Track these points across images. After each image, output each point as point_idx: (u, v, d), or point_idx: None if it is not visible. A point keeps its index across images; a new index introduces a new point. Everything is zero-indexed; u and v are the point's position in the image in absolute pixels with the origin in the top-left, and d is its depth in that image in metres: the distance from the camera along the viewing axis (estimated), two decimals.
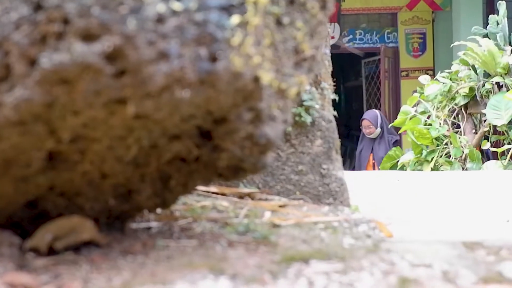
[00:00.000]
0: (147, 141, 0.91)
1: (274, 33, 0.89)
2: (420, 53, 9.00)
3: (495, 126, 6.03)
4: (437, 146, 6.19)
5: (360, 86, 9.86)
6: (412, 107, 6.54)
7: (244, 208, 1.36)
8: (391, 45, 9.06)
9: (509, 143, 5.86)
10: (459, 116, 6.48)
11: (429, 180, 3.02)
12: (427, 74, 7.33)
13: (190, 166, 1.00)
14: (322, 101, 1.60)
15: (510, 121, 5.83)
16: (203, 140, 0.94)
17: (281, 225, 1.22)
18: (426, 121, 6.47)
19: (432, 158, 6.30)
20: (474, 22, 7.64)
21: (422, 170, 6.13)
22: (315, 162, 1.56)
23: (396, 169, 6.01)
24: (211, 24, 0.77)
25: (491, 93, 6.13)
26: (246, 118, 0.88)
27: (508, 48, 6.20)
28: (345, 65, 10.69)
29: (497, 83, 6.08)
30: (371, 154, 7.26)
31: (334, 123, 1.59)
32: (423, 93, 6.47)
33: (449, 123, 6.38)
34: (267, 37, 0.85)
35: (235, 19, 0.79)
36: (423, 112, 6.60)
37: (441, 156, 6.25)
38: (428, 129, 6.37)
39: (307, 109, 1.55)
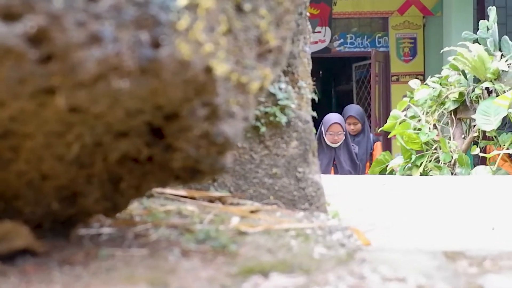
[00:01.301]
0: (90, 138, 0.82)
1: (233, 20, 0.80)
2: (411, 57, 8.94)
3: (484, 132, 5.98)
4: (426, 151, 6.15)
5: (351, 90, 9.80)
6: (402, 111, 6.49)
7: (210, 213, 1.27)
8: (382, 49, 9.01)
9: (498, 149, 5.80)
10: (449, 121, 6.44)
11: (415, 185, 2.94)
12: (418, 78, 7.28)
13: (144, 167, 0.91)
14: (299, 101, 1.51)
15: (499, 127, 5.79)
16: (154, 139, 0.85)
17: (247, 233, 1.13)
18: (415, 125, 6.42)
19: (421, 163, 6.25)
20: (465, 28, 7.60)
21: (411, 175, 6.08)
22: (291, 165, 1.47)
23: (385, 174, 5.95)
24: (153, 5, 0.68)
25: (480, 98, 6.09)
26: (200, 114, 0.79)
27: (498, 53, 6.16)
28: (336, 69, 10.63)
29: (487, 88, 6.04)
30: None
31: (311, 124, 1.50)
32: (413, 97, 6.42)
33: (439, 128, 6.33)
34: (223, 23, 0.76)
35: (182, 0, 0.70)
36: (412, 117, 6.55)
37: (430, 161, 6.20)
38: (418, 133, 6.32)
39: (283, 109, 1.46)
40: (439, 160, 6.20)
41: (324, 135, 5.96)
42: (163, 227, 1.09)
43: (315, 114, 1.79)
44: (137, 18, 0.68)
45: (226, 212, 1.34)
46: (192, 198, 1.46)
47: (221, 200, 1.47)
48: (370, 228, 1.64)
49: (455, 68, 6.26)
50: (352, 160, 6.11)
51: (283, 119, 1.45)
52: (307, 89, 1.55)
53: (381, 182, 2.97)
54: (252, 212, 1.41)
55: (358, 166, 6.09)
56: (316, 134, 5.80)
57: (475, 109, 5.78)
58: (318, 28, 8.99)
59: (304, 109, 1.52)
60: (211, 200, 1.47)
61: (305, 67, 1.61)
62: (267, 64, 0.87)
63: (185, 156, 0.85)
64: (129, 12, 0.68)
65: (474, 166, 6.09)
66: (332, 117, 6.09)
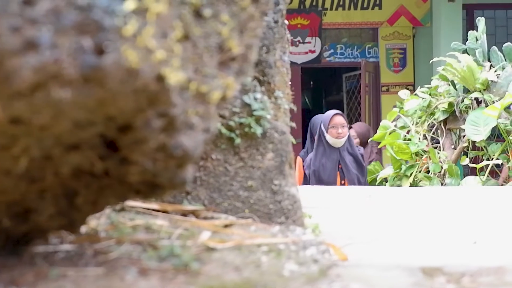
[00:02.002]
0: (38, 151, 0.77)
1: (192, 26, 0.76)
2: (401, 68, 8.95)
3: (474, 142, 5.97)
4: (416, 161, 6.13)
5: (341, 101, 9.79)
6: (392, 122, 6.48)
7: (180, 228, 1.22)
8: (372, 60, 9.01)
9: (487, 159, 5.80)
10: (438, 131, 6.42)
11: (401, 196, 2.90)
12: (408, 89, 7.27)
13: (101, 181, 0.86)
14: (275, 111, 1.47)
15: (488, 137, 5.78)
16: (108, 151, 0.80)
17: (216, 249, 1.08)
18: (405, 136, 6.41)
19: (411, 173, 6.23)
20: (454, 38, 7.62)
21: (401, 185, 6.06)
22: (266, 177, 1.42)
23: (375, 184, 5.92)
24: (97, 9, 0.64)
25: (470, 108, 6.08)
26: (156, 125, 0.75)
27: (487, 64, 6.17)
28: (326, 79, 10.62)
29: (476, 98, 6.04)
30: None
31: (288, 135, 1.45)
32: (402, 108, 6.41)
33: (429, 138, 6.32)
34: (178, 29, 0.72)
35: (129, 4, 0.66)
36: (402, 127, 6.53)
37: (420, 171, 6.18)
38: (408, 144, 6.30)
39: (258, 120, 1.41)
40: (429, 171, 6.18)
41: (325, 134, 5.08)
42: (126, 243, 1.04)
43: (293, 124, 1.75)
44: (79, 23, 0.64)
45: (198, 226, 1.29)
46: (165, 211, 1.41)
47: (194, 213, 1.42)
48: (350, 242, 1.59)
49: (444, 78, 6.26)
50: (358, 162, 5.28)
51: (259, 130, 1.41)
52: (284, 99, 1.51)
53: (367, 193, 2.93)
54: (226, 226, 1.36)
55: (365, 170, 5.35)
56: (316, 135, 5.28)
57: (464, 120, 5.77)
58: (308, 39, 8.99)
59: (281, 119, 1.48)
60: (184, 213, 1.42)
61: (282, 76, 1.57)
62: (229, 72, 0.83)
63: (141, 169, 0.80)
64: (70, 17, 0.64)
65: (464, 176, 6.08)
66: (332, 111, 5.34)
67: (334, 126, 5.06)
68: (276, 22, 1.44)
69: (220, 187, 1.44)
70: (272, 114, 1.44)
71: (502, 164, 5.73)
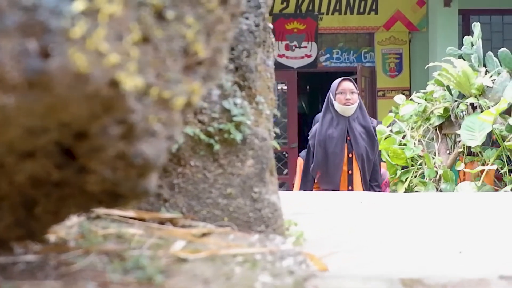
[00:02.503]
0: None
1: (153, 29, 0.72)
2: (397, 73, 8.93)
3: (469, 147, 5.95)
4: (411, 166, 6.11)
5: None
6: (387, 126, 6.45)
7: (154, 237, 1.18)
8: (368, 64, 8.99)
9: (483, 165, 5.77)
10: (434, 136, 6.40)
11: (392, 202, 2.86)
12: (404, 94, 7.26)
13: (62, 190, 0.83)
14: (256, 117, 1.43)
15: (484, 142, 5.76)
16: (66, 160, 0.77)
17: (187, 260, 1.04)
18: (401, 141, 6.38)
19: (407, 179, 6.21)
20: (450, 43, 7.61)
21: (396, 191, 6.03)
22: (246, 184, 1.38)
23: None
24: (43, 10, 0.60)
25: (465, 114, 6.06)
26: (113, 133, 0.71)
27: (483, 69, 6.15)
28: (322, 84, 10.60)
29: (472, 104, 6.02)
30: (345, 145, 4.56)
31: (269, 142, 1.42)
32: (398, 113, 6.39)
33: (424, 143, 6.29)
34: (135, 31, 0.69)
35: (78, 4, 0.62)
36: (398, 132, 6.50)
37: (415, 177, 6.16)
38: (403, 149, 6.27)
39: (238, 126, 1.38)
40: (424, 176, 6.15)
41: (333, 101, 4.51)
42: (93, 253, 1.00)
43: (277, 130, 1.71)
44: (23, 24, 0.60)
45: (173, 235, 1.25)
46: (142, 219, 1.38)
47: (172, 221, 1.38)
48: (334, 251, 1.56)
49: (440, 83, 6.24)
50: (370, 135, 4.58)
51: (238, 136, 1.38)
52: (266, 104, 1.47)
53: (359, 199, 2.89)
54: (203, 234, 1.32)
55: (376, 144, 4.69)
56: (324, 103, 4.95)
57: (460, 125, 5.75)
58: (304, 43, 8.97)
59: (262, 125, 1.44)
60: (162, 221, 1.38)
61: (265, 81, 1.54)
62: (196, 77, 0.80)
63: (101, 179, 0.77)
64: (13, 18, 0.60)
65: (459, 182, 6.06)
66: (341, 78, 4.69)
67: (343, 92, 4.47)
68: (257, 25, 1.41)
69: (199, 194, 1.40)
70: (252, 120, 1.41)
71: (497, 169, 5.71)
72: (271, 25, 1.69)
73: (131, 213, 1.38)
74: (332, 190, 4.46)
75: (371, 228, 2.01)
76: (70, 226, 1.20)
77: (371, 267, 1.34)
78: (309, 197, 2.98)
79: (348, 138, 4.54)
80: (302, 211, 2.49)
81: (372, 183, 4.78)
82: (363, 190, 4.63)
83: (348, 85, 4.55)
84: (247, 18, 1.40)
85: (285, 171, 8.96)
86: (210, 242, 1.24)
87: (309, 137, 4.74)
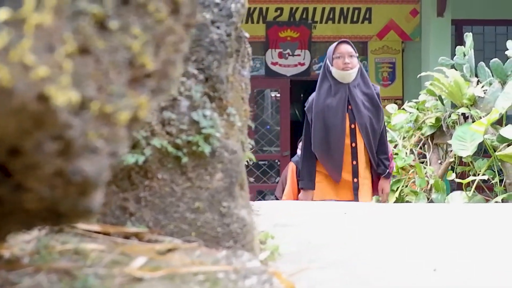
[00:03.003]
0: None
1: (94, 39, 0.69)
2: (390, 82, 8.91)
3: (460, 157, 5.94)
4: (403, 176, 6.10)
5: None
6: None
7: (113, 253, 1.14)
8: None
9: (474, 175, 5.76)
10: (426, 146, 6.39)
11: (377, 214, 2.82)
12: (396, 103, 7.23)
13: (3, 207, 0.79)
14: (227, 129, 1.39)
15: (475, 153, 5.74)
16: (1, 177, 0.73)
17: (143, 279, 1.00)
18: (393, 150, 6.36)
19: (398, 188, 6.19)
20: (443, 53, 7.61)
21: (387, 200, 6.01)
22: (214, 199, 1.35)
23: None
24: None
25: (457, 124, 6.05)
26: (49, 149, 0.68)
27: (474, 79, 6.15)
28: None
29: (463, 114, 6.01)
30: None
31: (239, 154, 1.38)
32: (390, 122, 6.37)
33: (416, 152, 6.28)
34: (70, 42, 0.65)
35: (1, 14, 0.58)
36: (390, 141, 6.49)
37: (406, 186, 6.14)
38: (395, 158, 6.25)
39: (207, 138, 1.34)
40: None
41: (330, 67, 3.98)
42: (43, 271, 0.96)
43: (252, 142, 1.68)
44: None
45: (137, 251, 1.21)
46: (106, 233, 1.34)
47: (137, 236, 1.34)
48: (306, 267, 1.52)
49: (432, 93, 6.23)
50: (373, 102, 4.05)
51: (207, 149, 1.34)
52: (238, 116, 1.44)
53: (343, 210, 2.85)
54: (169, 250, 1.28)
55: (381, 113, 4.14)
56: (321, 72, 4.66)
57: (451, 135, 5.74)
58: (297, 51, 8.95)
59: (233, 137, 1.41)
60: (127, 236, 1.34)
61: (238, 92, 1.50)
62: (143, 91, 0.76)
63: (38, 197, 0.73)
64: None
65: (451, 191, 6.04)
66: (338, 41, 4.11)
67: (340, 56, 3.94)
68: (228, 35, 1.37)
69: (166, 208, 1.36)
70: (223, 132, 1.37)
71: (488, 179, 5.70)
72: (247, 34, 1.66)
73: (95, 227, 1.34)
74: (335, 168, 4.16)
75: (350, 242, 1.97)
76: (27, 241, 1.16)
77: (341, 285, 1.30)
78: (293, 207, 2.93)
79: (349, 107, 4.01)
80: (284, 222, 2.45)
81: (380, 155, 4.33)
82: (370, 165, 4.29)
83: (346, 48, 3.99)
84: (218, 28, 1.37)
85: (277, 179, 8.92)
86: (174, 258, 1.20)
87: (305, 109, 4.22)
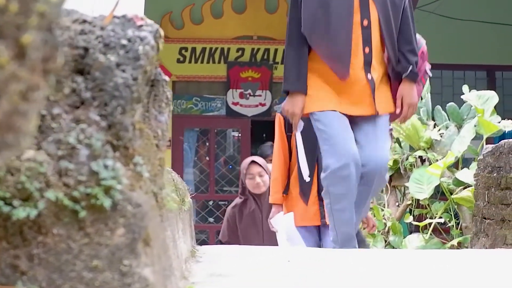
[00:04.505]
0: None
1: None
2: None
3: (418, 200, 5.94)
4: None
5: None
6: None
7: None
8: None
9: (431, 217, 5.76)
10: (383, 188, 6.39)
11: (324, 261, 2.72)
12: None
13: None
14: (132, 180, 1.29)
15: (432, 195, 5.76)
16: None
17: None
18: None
19: None
20: None
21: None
22: (115, 256, 1.23)
23: None
24: None
25: (414, 166, 6.08)
26: None
27: (431, 122, 6.21)
28: None
29: (420, 157, 6.05)
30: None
31: (144, 208, 1.28)
32: None
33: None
34: None
35: None
36: None
37: (364, 228, 6.08)
38: None
39: (107, 190, 1.24)
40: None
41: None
42: None
43: (192, 187, 1.57)
44: None
45: None
46: None
47: None
48: None
49: None
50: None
51: (107, 202, 1.23)
52: (146, 166, 1.34)
53: (286, 258, 2.74)
54: None
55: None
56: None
57: (409, 177, 5.74)
58: (259, 92, 8.96)
59: (139, 190, 1.30)
60: None
61: (149, 140, 1.41)
62: None
63: None
64: None
65: (409, 234, 6.02)
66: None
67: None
68: (135, 79, 1.28)
69: (61, 266, 1.24)
70: (126, 184, 1.27)
71: (445, 222, 5.71)
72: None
73: None
74: (340, 58, 3.00)
75: None
76: None
77: None
78: (233, 253, 2.81)
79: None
80: (221, 271, 2.33)
81: (404, 47, 3.02)
82: (388, 57, 3.01)
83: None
84: (123, 71, 1.28)
85: None
86: None
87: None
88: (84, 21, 1.32)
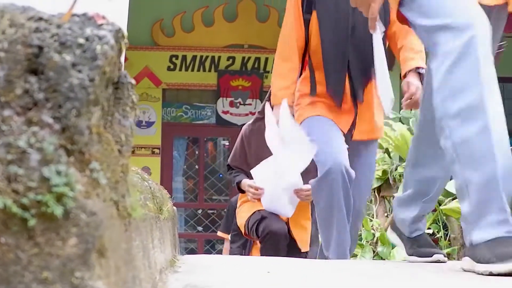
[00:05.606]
0: None
1: None
2: None
3: None
4: None
5: None
6: None
7: None
8: None
9: None
10: (372, 198, 6.34)
11: (305, 272, 2.64)
12: None
13: None
14: (88, 187, 1.22)
15: None
16: None
17: None
18: None
19: None
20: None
21: None
22: (66, 267, 1.16)
23: None
24: None
25: (403, 177, 6.03)
26: None
27: None
28: None
29: None
30: None
31: (99, 216, 1.20)
32: None
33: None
34: None
35: None
36: None
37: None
38: None
39: (59, 197, 1.16)
40: (361, 238, 6.05)
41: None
42: None
43: (169, 193, 1.50)
44: None
45: None
46: None
47: None
48: None
49: (379, 146, 6.22)
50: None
51: (59, 210, 1.16)
52: (104, 172, 1.26)
53: (266, 269, 2.67)
54: None
55: None
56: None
57: (397, 188, 5.70)
58: (249, 100, 8.90)
59: (94, 197, 1.23)
60: None
61: (110, 145, 1.33)
62: None
63: None
64: None
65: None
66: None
67: None
68: (91, 80, 1.21)
69: (9, 278, 1.17)
70: (80, 191, 1.19)
71: (433, 233, 5.66)
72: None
73: None
74: None
75: None
76: None
77: None
78: (213, 263, 2.74)
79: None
80: (197, 282, 2.26)
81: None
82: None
83: None
84: (79, 71, 1.21)
85: None
86: None
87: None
88: (40, 19, 1.25)
